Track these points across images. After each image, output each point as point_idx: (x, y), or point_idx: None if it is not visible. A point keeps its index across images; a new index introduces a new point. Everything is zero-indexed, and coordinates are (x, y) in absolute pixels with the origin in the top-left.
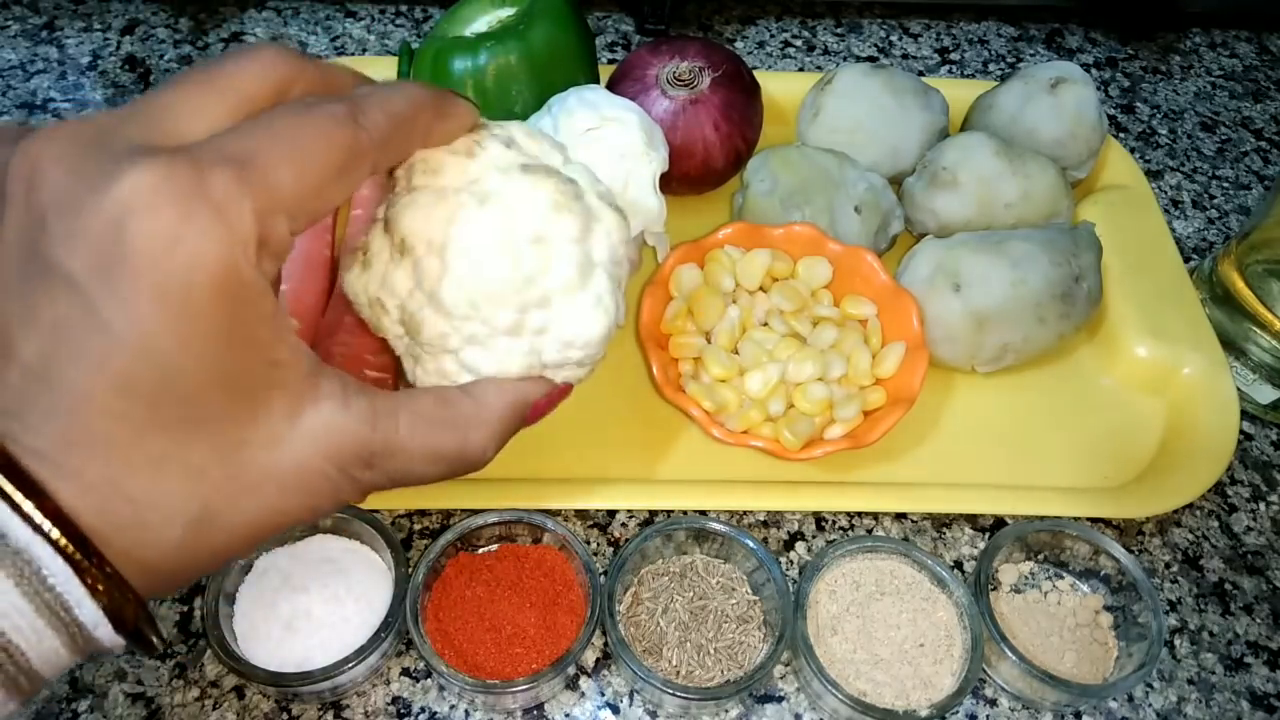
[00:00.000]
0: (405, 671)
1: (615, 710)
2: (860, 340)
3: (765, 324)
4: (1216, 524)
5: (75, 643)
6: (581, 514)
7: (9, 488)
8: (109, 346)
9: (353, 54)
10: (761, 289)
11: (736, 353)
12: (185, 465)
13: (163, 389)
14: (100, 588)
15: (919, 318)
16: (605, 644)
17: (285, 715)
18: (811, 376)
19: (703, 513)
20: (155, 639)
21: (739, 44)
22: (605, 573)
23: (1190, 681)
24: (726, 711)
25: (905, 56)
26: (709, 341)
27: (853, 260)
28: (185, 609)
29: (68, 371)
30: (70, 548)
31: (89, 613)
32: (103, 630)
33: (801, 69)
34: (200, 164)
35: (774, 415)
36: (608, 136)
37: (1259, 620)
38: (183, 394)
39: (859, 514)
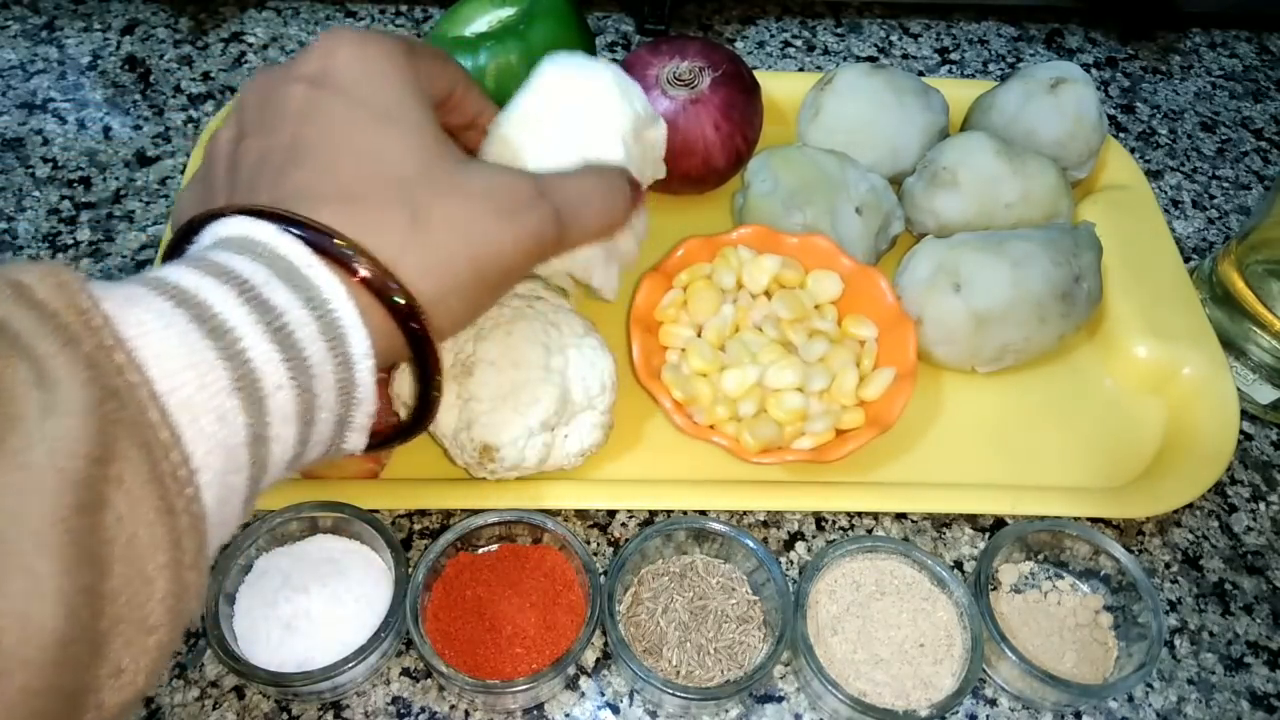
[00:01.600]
0: (405, 671)
1: (615, 710)
2: (851, 360)
3: (759, 328)
4: (1216, 524)
5: (344, 375)
6: (581, 514)
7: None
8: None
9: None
10: (766, 294)
11: (723, 350)
12: (387, 194)
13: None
14: (375, 279)
15: (915, 348)
16: (605, 644)
17: (285, 715)
18: (790, 385)
19: (703, 513)
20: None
21: (739, 44)
22: (605, 573)
23: (1190, 681)
24: (726, 711)
25: (905, 56)
26: (699, 335)
27: (864, 279)
28: None
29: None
30: (348, 251)
31: (358, 340)
32: (365, 365)
33: (801, 69)
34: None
35: (743, 416)
36: (576, 90)
37: (1259, 620)
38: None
39: (859, 514)
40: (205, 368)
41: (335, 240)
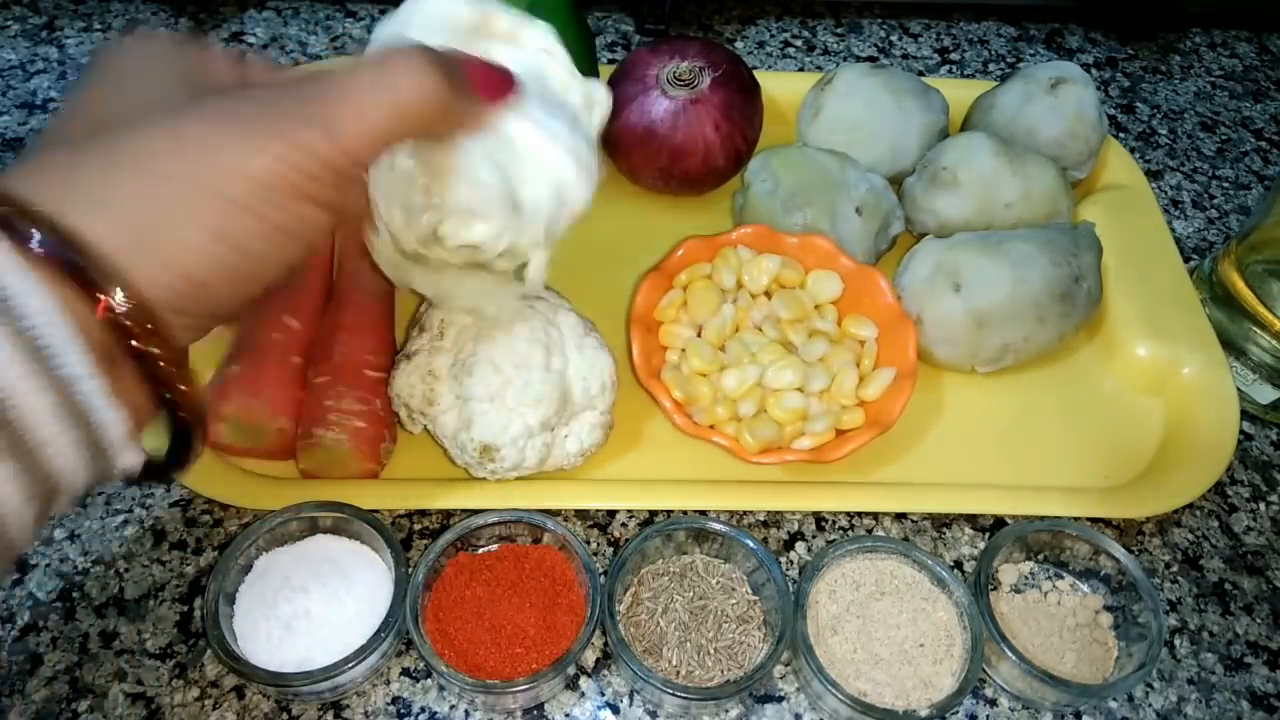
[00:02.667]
0: (405, 671)
1: (615, 710)
2: (851, 360)
3: (759, 328)
4: (1216, 524)
5: (61, 399)
6: (581, 514)
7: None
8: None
9: (352, 54)
10: (766, 294)
11: (723, 350)
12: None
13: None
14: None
15: (915, 348)
16: (605, 644)
17: (285, 715)
18: (789, 385)
19: (703, 513)
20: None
21: (739, 44)
22: (605, 573)
23: (1190, 681)
24: (726, 711)
25: (905, 56)
26: (699, 335)
27: (864, 279)
28: (185, 609)
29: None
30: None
31: (73, 359)
32: (91, 384)
33: (801, 69)
34: None
35: (743, 416)
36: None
37: (1259, 620)
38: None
39: (859, 514)
40: None
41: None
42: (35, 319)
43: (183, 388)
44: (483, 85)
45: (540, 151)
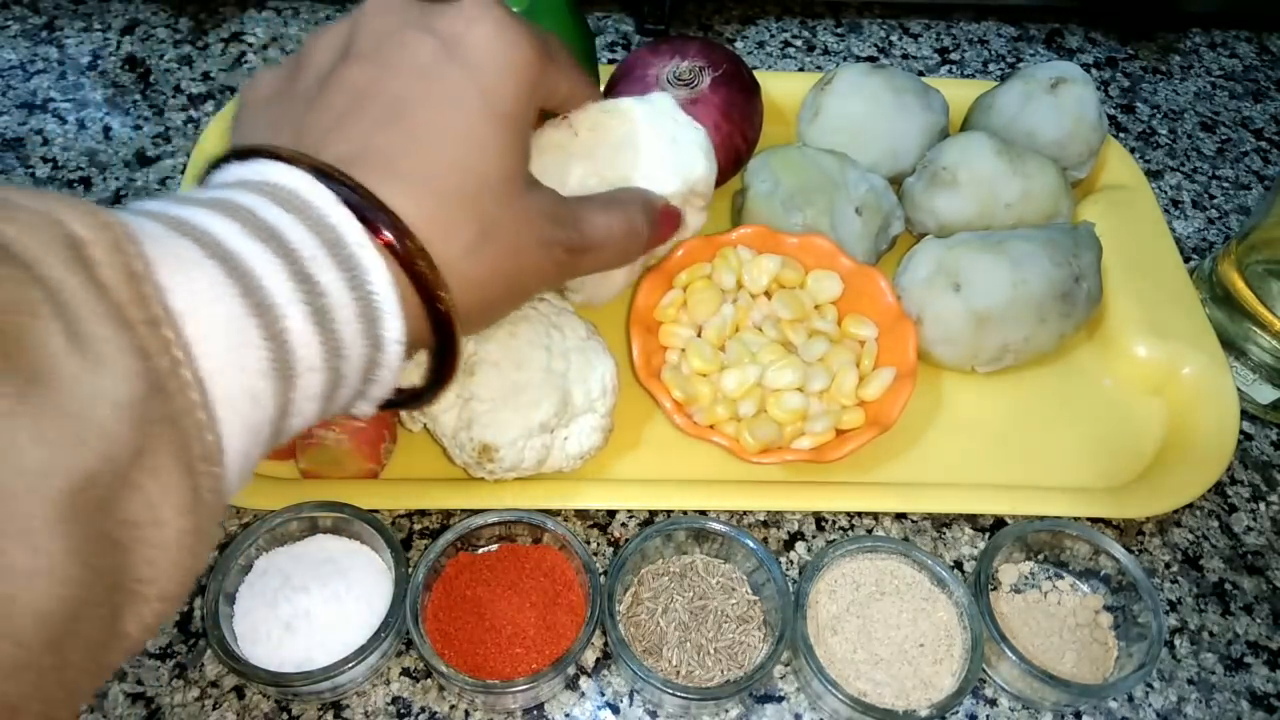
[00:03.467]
0: (405, 671)
1: (615, 710)
2: (851, 360)
3: (759, 328)
4: (1216, 524)
5: (372, 356)
6: (581, 514)
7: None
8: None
9: None
10: (766, 294)
11: (723, 350)
12: (468, 196)
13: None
14: (413, 259)
15: (915, 348)
16: (605, 644)
17: (285, 715)
18: (790, 385)
19: (703, 513)
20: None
21: (739, 44)
22: (605, 573)
23: (1190, 681)
24: (726, 711)
25: (905, 56)
26: (699, 335)
27: (863, 279)
28: (185, 609)
29: (417, 111)
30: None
31: (392, 324)
32: (394, 349)
33: (801, 69)
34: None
35: (743, 416)
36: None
37: (1259, 620)
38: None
39: (859, 514)
40: (248, 350)
41: (406, 241)
42: (376, 285)
43: (455, 355)
44: (664, 224)
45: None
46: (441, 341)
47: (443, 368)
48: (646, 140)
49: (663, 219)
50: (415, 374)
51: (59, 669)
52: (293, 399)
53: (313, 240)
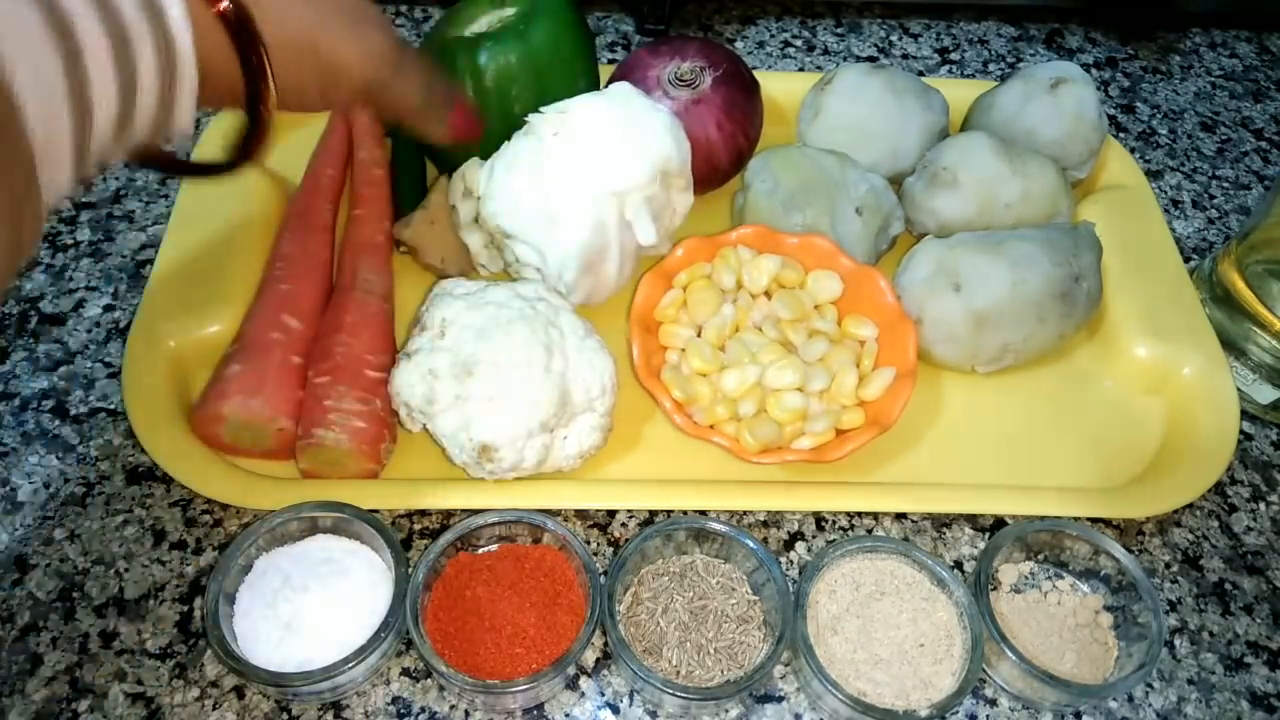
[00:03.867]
0: (405, 671)
1: (615, 710)
2: (851, 360)
3: (759, 328)
4: (1216, 524)
5: (160, 43)
6: (581, 514)
7: None
8: None
9: None
10: (766, 294)
11: (723, 350)
12: None
13: None
14: None
15: (915, 348)
16: (605, 644)
17: (285, 715)
18: (790, 385)
19: (703, 513)
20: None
21: (739, 44)
22: (605, 573)
23: (1190, 681)
24: (726, 711)
25: (905, 56)
26: (699, 335)
27: (863, 279)
28: (185, 609)
29: None
30: None
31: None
32: (182, 26)
33: (801, 69)
34: None
35: (743, 416)
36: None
37: (1259, 620)
38: None
39: (859, 514)
40: (16, 12)
41: None
42: (171, 12)
43: (262, 105)
44: (458, 121)
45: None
46: (245, 59)
47: (254, 95)
48: (611, 133)
49: (459, 114)
50: (404, 412)
51: None
52: (84, 76)
53: None
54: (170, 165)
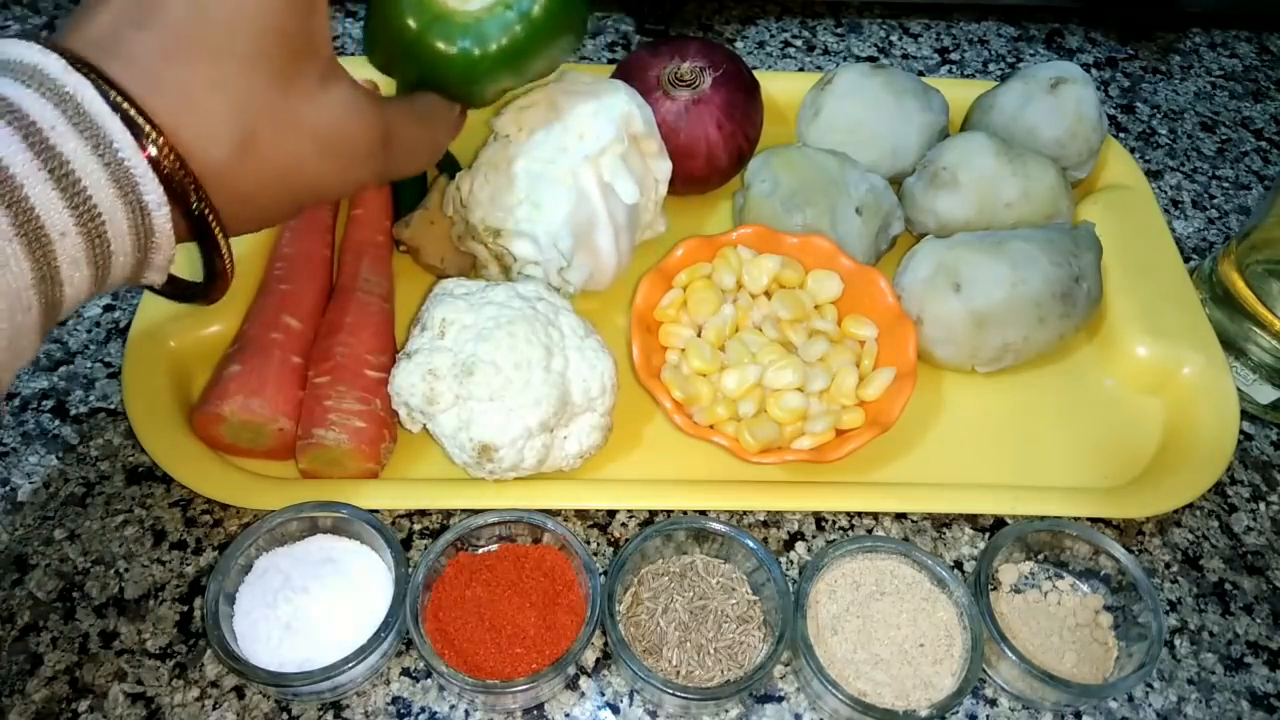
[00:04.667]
0: (405, 671)
1: (615, 710)
2: (851, 360)
3: (759, 328)
4: (1216, 524)
5: (139, 222)
6: (581, 514)
7: (85, 78)
8: None
9: (352, 54)
10: (766, 294)
11: (723, 350)
12: (241, 92)
13: (237, 26)
14: (163, 160)
15: (915, 348)
16: (605, 644)
17: (285, 715)
18: (789, 385)
19: (703, 513)
20: (220, 237)
21: (739, 44)
22: (605, 573)
23: (1190, 681)
24: (726, 711)
25: (905, 56)
26: (699, 335)
27: (863, 279)
28: (185, 609)
29: (169, 6)
30: (140, 122)
31: (152, 189)
32: (162, 212)
33: (801, 69)
34: None
35: (743, 416)
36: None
37: (1259, 620)
38: (250, 32)
39: (859, 514)
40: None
41: (145, 126)
42: (126, 153)
43: (220, 254)
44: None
45: (597, 224)
46: (204, 237)
47: (209, 253)
48: (569, 109)
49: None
50: (404, 412)
51: None
52: (55, 266)
53: (51, 111)
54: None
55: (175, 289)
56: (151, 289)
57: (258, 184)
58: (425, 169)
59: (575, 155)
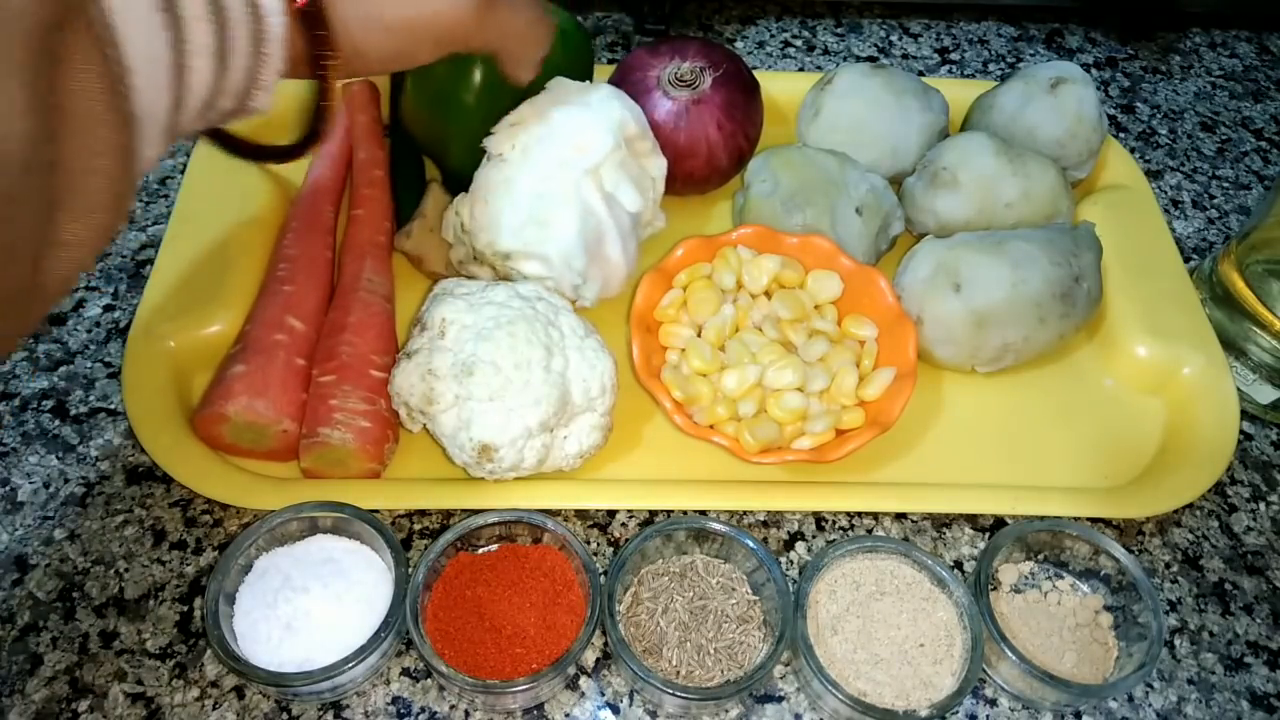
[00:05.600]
0: (405, 671)
1: (615, 710)
2: (851, 360)
3: (759, 328)
4: (1216, 524)
5: (255, 25)
6: (581, 514)
7: None
8: None
9: None
10: (766, 294)
11: (723, 350)
12: None
13: None
14: None
15: (915, 348)
16: (605, 644)
17: (285, 715)
18: (790, 385)
19: (703, 513)
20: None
21: (739, 44)
22: (605, 573)
23: (1190, 681)
24: (726, 711)
25: (905, 56)
26: (699, 335)
27: (863, 279)
28: (185, 609)
29: None
30: None
31: None
32: (278, 18)
33: (801, 69)
34: None
35: (743, 416)
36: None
37: (1259, 620)
38: None
39: (859, 514)
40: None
41: None
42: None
43: (327, 89)
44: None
45: (605, 238)
46: (317, 51)
47: (323, 85)
48: (563, 122)
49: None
50: (404, 412)
51: (18, 238)
52: (186, 49)
53: None
54: (238, 148)
55: (271, 149)
56: (235, 149)
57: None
58: (529, 64)
59: (576, 169)
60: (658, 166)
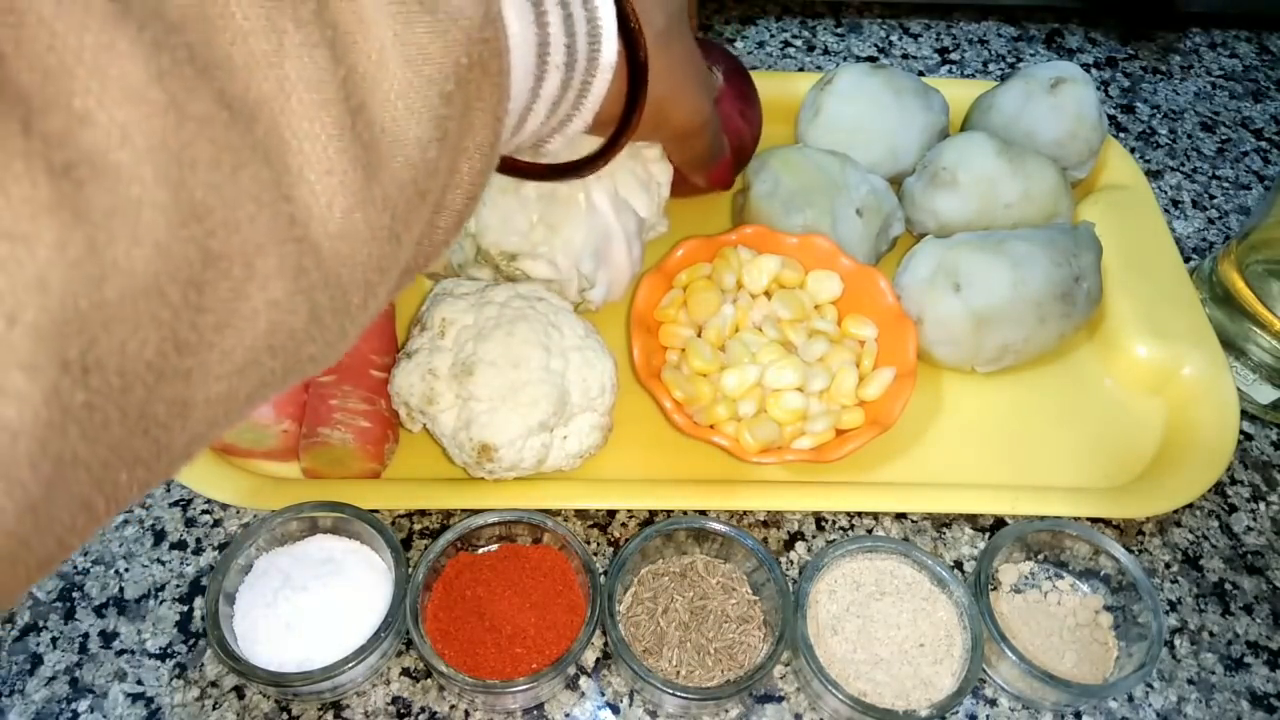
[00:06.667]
0: (405, 671)
1: (615, 710)
2: (851, 360)
3: (759, 328)
4: (1216, 524)
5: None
6: (581, 514)
7: None
8: None
9: None
10: (766, 294)
11: (723, 350)
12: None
13: None
14: (629, 13)
15: (915, 348)
16: (605, 644)
17: (285, 715)
18: (790, 385)
19: (703, 513)
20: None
21: (739, 44)
22: (605, 573)
23: (1190, 681)
24: (726, 711)
25: (905, 56)
26: (699, 335)
27: (863, 279)
28: (185, 609)
29: None
30: None
31: (609, 44)
32: (605, 75)
33: (801, 69)
34: None
35: (743, 416)
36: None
37: (1259, 620)
38: None
39: (859, 514)
40: (527, 25)
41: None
42: (603, 13)
43: (624, 136)
44: (718, 173)
45: (611, 243)
46: (632, 93)
47: (628, 116)
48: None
49: (723, 166)
50: (404, 412)
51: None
52: (539, 94)
53: None
54: (524, 171)
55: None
56: (532, 173)
57: (666, 74)
58: (698, 164)
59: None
60: (664, 172)
